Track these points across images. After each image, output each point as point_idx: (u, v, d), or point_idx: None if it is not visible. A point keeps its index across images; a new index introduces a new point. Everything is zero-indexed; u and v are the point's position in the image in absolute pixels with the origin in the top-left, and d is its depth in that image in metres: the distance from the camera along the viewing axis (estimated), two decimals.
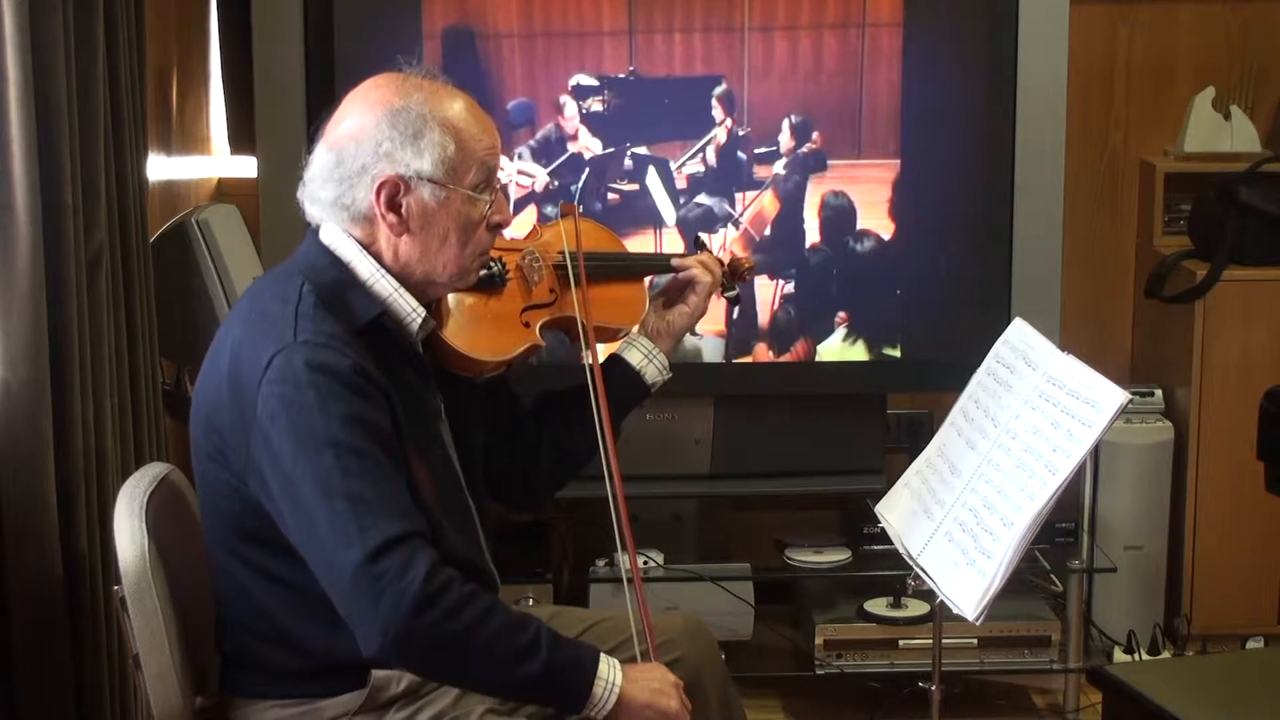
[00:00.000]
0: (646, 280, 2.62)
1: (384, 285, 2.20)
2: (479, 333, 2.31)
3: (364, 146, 2.16)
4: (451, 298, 2.31)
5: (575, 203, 3.37)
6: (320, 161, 2.20)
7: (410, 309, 2.21)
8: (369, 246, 2.20)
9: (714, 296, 2.59)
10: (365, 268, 2.20)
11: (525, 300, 2.39)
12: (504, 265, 2.36)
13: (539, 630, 2.09)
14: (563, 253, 2.40)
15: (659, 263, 2.72)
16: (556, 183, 3.44)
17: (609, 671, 2.13)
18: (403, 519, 2.03)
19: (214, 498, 2.19)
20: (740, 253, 3.45)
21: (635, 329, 2.55)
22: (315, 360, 2.06)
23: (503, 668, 2.07)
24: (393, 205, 2.17)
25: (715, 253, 2.69)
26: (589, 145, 3.43)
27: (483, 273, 2.31)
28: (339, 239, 2.21)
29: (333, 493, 2.01)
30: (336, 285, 2.18)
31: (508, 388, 2.49)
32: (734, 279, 2.65)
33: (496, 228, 2.26)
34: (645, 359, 2.52)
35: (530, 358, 2.39)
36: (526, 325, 2.37)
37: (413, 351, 2.24)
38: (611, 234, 2.64)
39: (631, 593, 2.31)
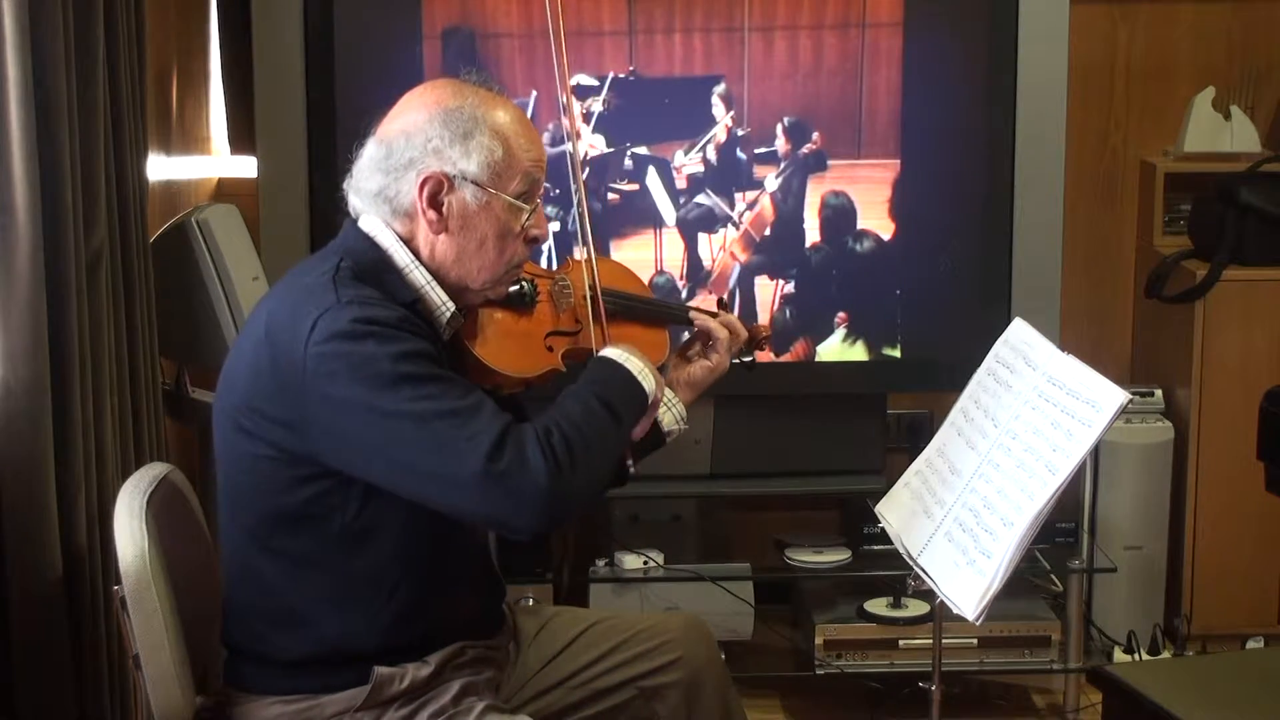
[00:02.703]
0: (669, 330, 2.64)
1: (418, 276, 2.22)
2: (504, 347, 2.34)
3: (414, 141, 2.19)
4: (481, 311, 2.33)
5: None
6: (369, 153, 2.23)
7: (441, 301, 2.24)
8: (408, 242, 2.23)
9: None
10: (401, 257, 2.22)
11: (552, 325, 2.42)
12: (535, 287, 2.40)
13: (600, 400, 2.19)
14: (592, 285, 2.42)
15: (683, 315, 2.75)
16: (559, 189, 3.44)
17: (633, 364, 2.27)
18: (495, 415, 2.08)
19: (239, 473, 2.20)
20: (737, 256, 3.46)
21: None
22: (362, 315, 2.08)
23: (615, 448, 2.23)
24: (434, 202, 2.20)
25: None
26: (591, 143, 3.43)
27: (513, 289, 2.34)
28: (378, 228, 2.24)
29: (425, 419, 2.04)
30: (374, 267, 2.21)
31: (525, 414, 2.50)
32: (750, 346, 2.68)
33: (534, 241, 2.29)
34: (664, 407, 2.53)
35: (549, 382, 2.41)
36: (550, 349, 2.41)
37: (443, 347, 2.26)
38: (640, 281, 2.69)
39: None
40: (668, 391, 2.53)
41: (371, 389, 2.05)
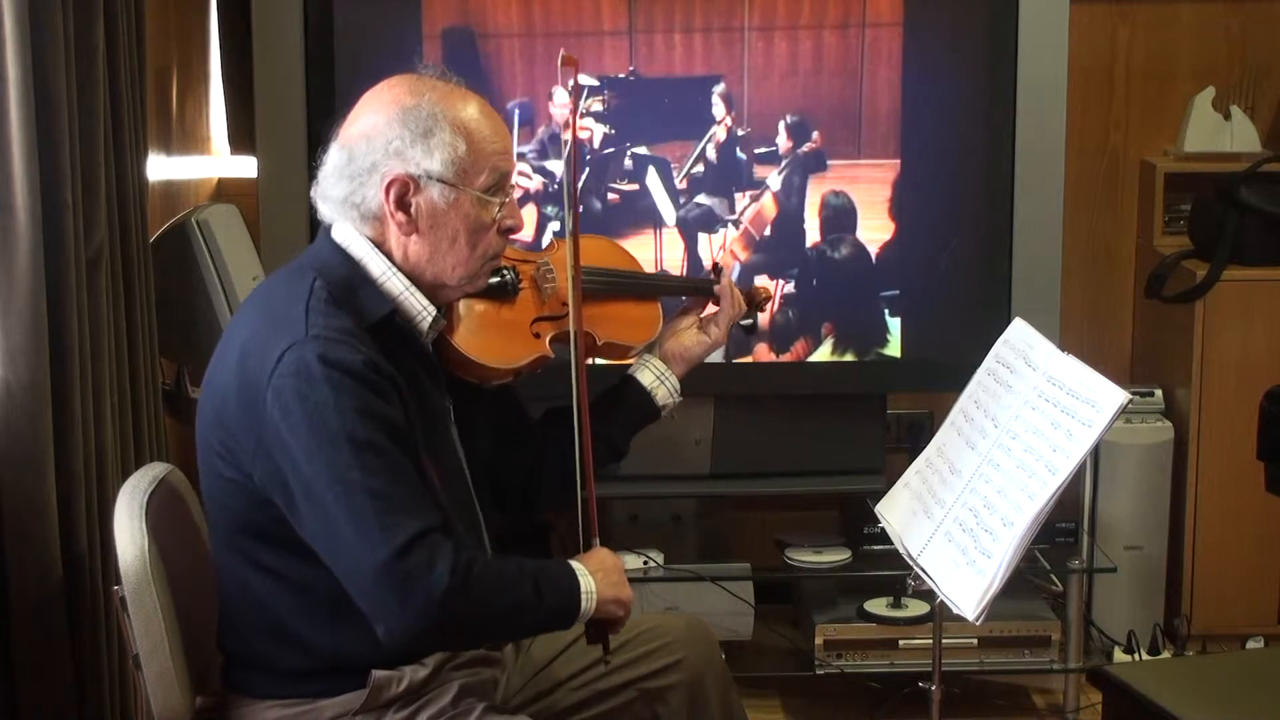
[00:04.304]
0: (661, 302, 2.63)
1: (395, 283, 2.20)
2: (488, 339, 2.32)
3: (375, 144, 2.17)
4: (463, 304, 2.31)
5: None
6: (333, 160, 2.21)
7: (421, 307, 2.22)
8: (380, 246, 2.21)
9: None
10: (377, 265, 2.20)
11: (537, 311, 2.39)
12: (517, 274, 2.37)
13: (534, 577, 2.16)
14: (575, 266, 2.39)
15: (675, 285, 2.74)
16: (554, 186, 3.45)
17: (588, 583, 2.21)
18: (423, 514, 2.05)
19: (220, 495, 2.19)
20: (737, 255, 3.46)
21: (648, 350, 2.57)
22: (328, 355, 2.06)
23: (517, 623, 2.20)
24: (402, 204, 2.18)
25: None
26: (585, 125, 3.41)
27: (495, 280, 2.32)
28: (351, 237, 2.22)
29: (352, 489, 2.02)
30: (348, 282, 2.18)
31: (517, 400, 2.49)
32: (750, 308, 2.66)
33: (508, 232, 2.26)
34: (657, 380, 2.54)
35: (538, 369, 2.39)
36: (537, 336, 2.38)
37: (423, 352, 2.25)
38: (628, 254, 2.66)
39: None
40: (659, 365, 2.55)
41: (314, 438, 2.04)
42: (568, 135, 2.44)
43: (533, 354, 2.36)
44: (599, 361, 2.55)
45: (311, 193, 2.24)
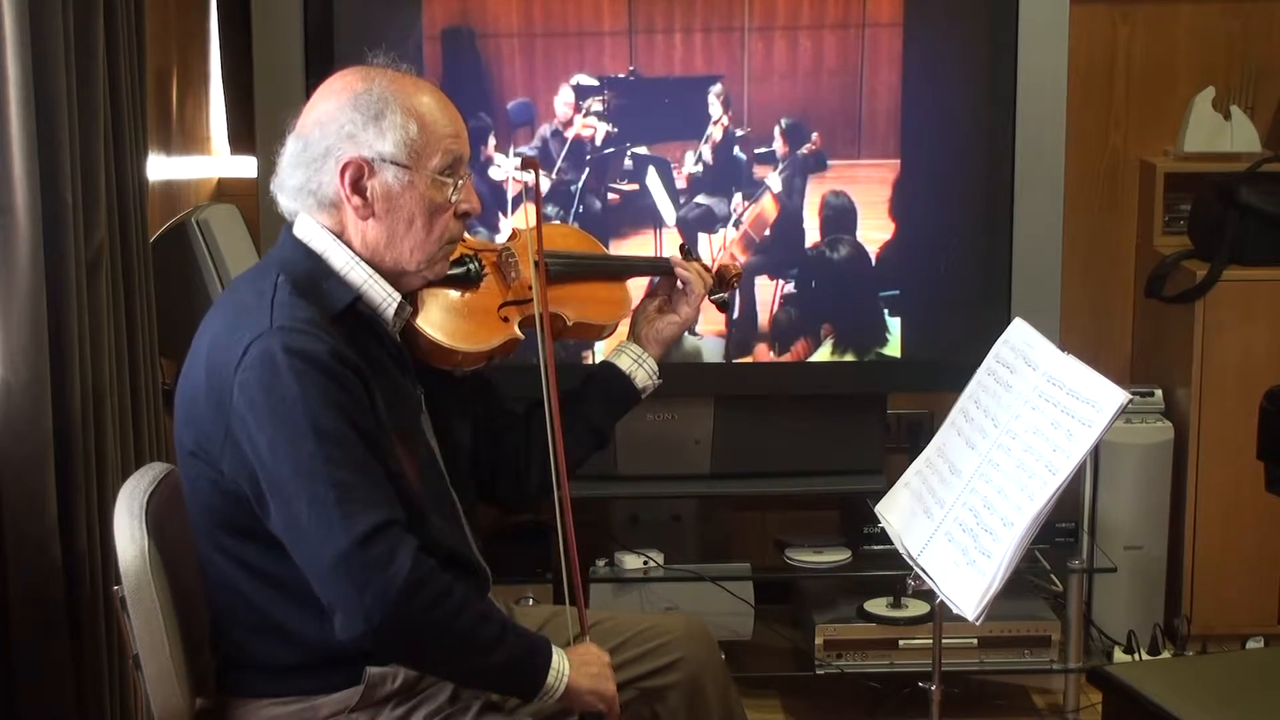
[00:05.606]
0: (631, 283, 2.64)
1: (359, 273, 2.21)
2: (457, 323, 2.33)
3: (328, 129, 2.18)
4: (430, 293, 2.32)
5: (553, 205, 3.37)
6: (289, 149, 2.22)
7: (385, 294, 2.23)
8: (340, 235, 2.22)
9: (703, 303, 2.64)
10: (339, 257, 2.21)
11: (503, 296, 2.41)
12: (480, 262, 2.39)
13: (503, 622, 2.16)
14: (540, 250, 2.40)
15: (636, 265, 2.75)
16: (556, 176, 3.45)
17: (559, 662, 2.20)
18: (385, 506, 2.06)
19: (198, 494, 2.20)
20: (736, 257, 3.46)
21: (620, 330, 2.59)
22: (292, 346, 2.07)
23: (471, 657, 2.14)
24: (357, 187, 2.19)
25: (705, 259, 2.72)
26: (588, 124, 3.41)
27: (459, 269, 2.34)
28: (312, 231, 2.23)
29: (315, 479, 2.03)
30: (311, 276, 2.19)
31: (494, 389, 2.50)
32: (722, 286, 2.68)
33: (465, 216, 2.27)
34: (635, 363, 2.55)
35: (511, 353, 2.40)
36: (505, 320, 2.40)
37: (390, 341, 2.26)
38: (592, 239, 2.68)
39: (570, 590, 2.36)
40: (636, 348, 2.57)
41: (279, 429, 2.04)
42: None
43: (502, 337, 2.38)
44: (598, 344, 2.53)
45: (271, 185, 2.25)
